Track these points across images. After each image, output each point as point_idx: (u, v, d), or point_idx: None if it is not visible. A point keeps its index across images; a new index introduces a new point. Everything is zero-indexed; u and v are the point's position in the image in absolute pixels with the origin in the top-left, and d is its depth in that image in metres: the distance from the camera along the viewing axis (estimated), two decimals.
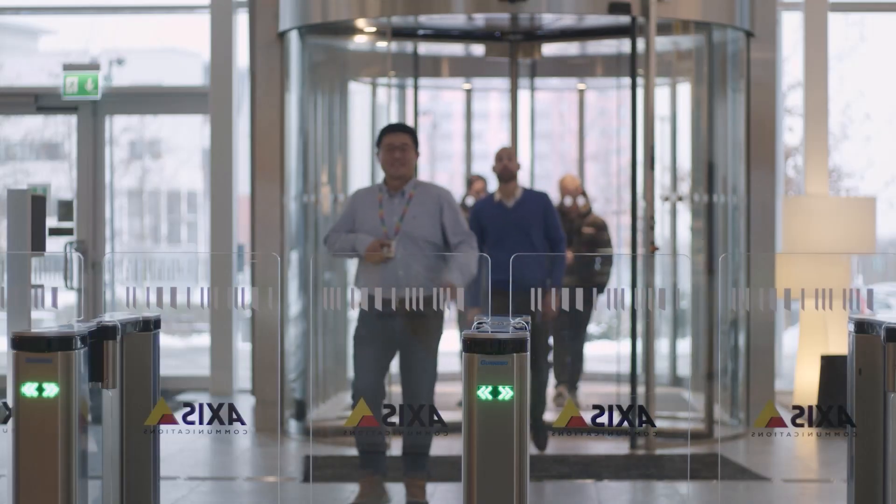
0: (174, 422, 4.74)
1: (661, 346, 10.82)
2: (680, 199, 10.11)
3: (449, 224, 6.80)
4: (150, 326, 5.08)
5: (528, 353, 4.43)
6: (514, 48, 10.13)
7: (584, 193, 10.49)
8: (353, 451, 8.50)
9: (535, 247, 8.35)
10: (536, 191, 8.67)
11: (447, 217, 6.80)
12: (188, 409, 4.73)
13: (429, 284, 6.55)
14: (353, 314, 6.98)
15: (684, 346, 10.85)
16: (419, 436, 6.90)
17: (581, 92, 12.47)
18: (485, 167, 12.13)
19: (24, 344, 4.46)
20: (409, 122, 11.17)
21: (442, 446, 8.40)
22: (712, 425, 9.23)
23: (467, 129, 12.79)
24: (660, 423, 9.07)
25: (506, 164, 8.48)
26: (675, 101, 10.37)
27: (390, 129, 6.91)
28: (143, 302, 4.78)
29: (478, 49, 10.51)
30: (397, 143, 6.80)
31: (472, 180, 11.10)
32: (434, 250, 6.76)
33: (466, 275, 6.70)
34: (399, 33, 9.74)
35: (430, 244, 6.77)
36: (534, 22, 9.54)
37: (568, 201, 10.41)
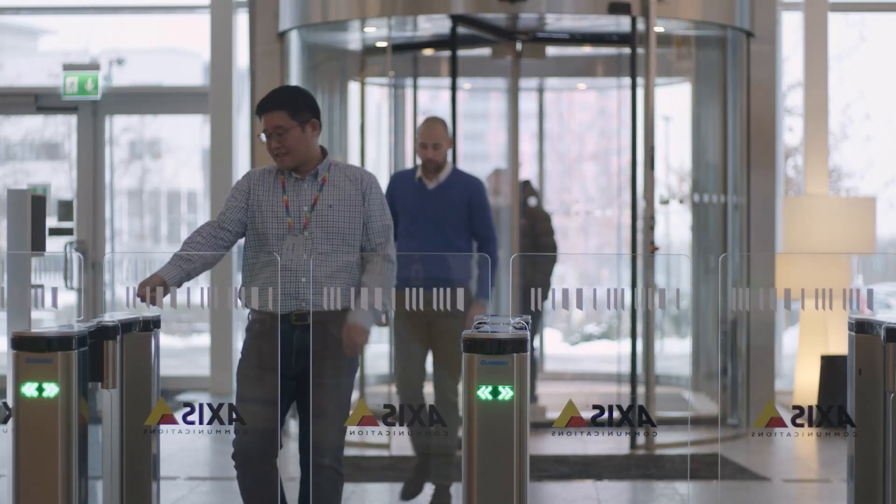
0: (174, 421, 4.74)
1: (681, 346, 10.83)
2: (681, 201, 10.12)
3: (374, 218, 5.25)
4: (150, 326, 5.08)
5: (529, 354, 4.43)
6: (514, 48, 10.13)
7: (532, 192, 10.28)
8: (354, 452, 8.50)
9: (451, 242, 6.88)
10: (469, 174, 7.13)
11: (372, 208, 5.25)
12: (188, 409, 4.73)
13: (342, 299, 5.11)
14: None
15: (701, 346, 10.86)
16: (446, 437, 6.70)
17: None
18: (485, 167, 12.12)
19: (24, 344, 4.46)
20: (409, 123, 11.16)
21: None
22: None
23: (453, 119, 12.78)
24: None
25: (430, 155, 6.92)
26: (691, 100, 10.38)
27: (257, 110, 5.24)
28: (142, 302, 4.78)
29: (477, 49, 10.51)
30: (270, 126, 5.16)
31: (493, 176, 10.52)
32: (349, 252, 5.21)
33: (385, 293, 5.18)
34: (399, 48, 9.79)
35: (346, 244, 5.19)
36: (534, 22, 9.53)
37: (533, 201, 10.20)
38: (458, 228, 6.90)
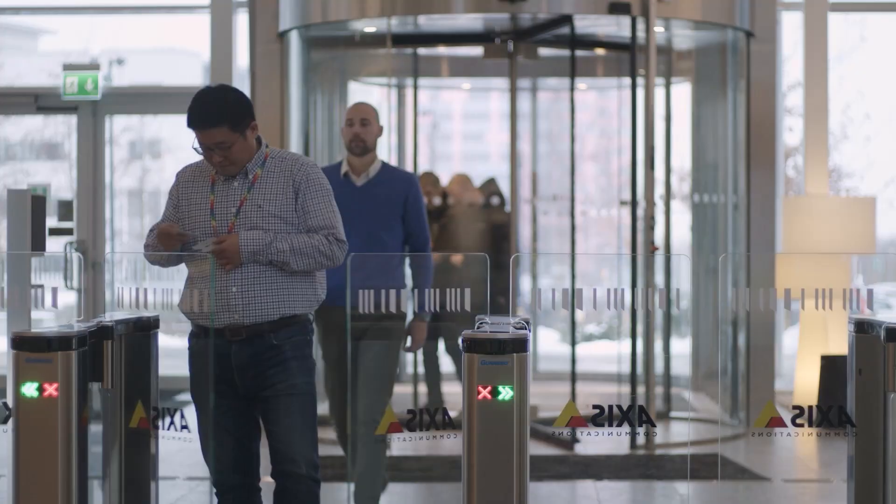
0: (146, 426, 4.81)
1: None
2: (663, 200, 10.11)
3: (311, 213, 4.74)
4: (149, 326, 5.08)
5: (529, 354, 4.43)
6: (514, 48, 10.12)
7: (497, 191, 10.08)
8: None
9: (385, 244, 6.16)
10: (402, 171, 6.54)
11: (303, 198, 4.74)
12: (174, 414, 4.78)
13: (280, 306, 4.71)
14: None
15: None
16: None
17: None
18: (485, 167, 12.09)
19: (24, 344, 4.46)
20: (409, 123, 11.15)
21: (442, 446, 8.41)
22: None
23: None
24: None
25: (357, 131, 6.18)
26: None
27: (191, 124, 4.70)
28: (142, 302, 4.78)
29: (477, 50, 10.51)
30: (211, 143, 4.67)
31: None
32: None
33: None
34: (399, 40, 9.75)
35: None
36: (534, 22, 9.53)
37: (496, 200, 10.03)
38: (392, 230, 6.18)
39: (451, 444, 7.08)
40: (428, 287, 5.78)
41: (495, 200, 9.94)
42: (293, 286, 4.71)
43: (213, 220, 4.72)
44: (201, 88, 4.73)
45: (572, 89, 9.21)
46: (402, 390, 9.84)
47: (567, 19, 9.04)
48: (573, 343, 9.60)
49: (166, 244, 4.74)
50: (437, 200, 9.81)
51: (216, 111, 4.65)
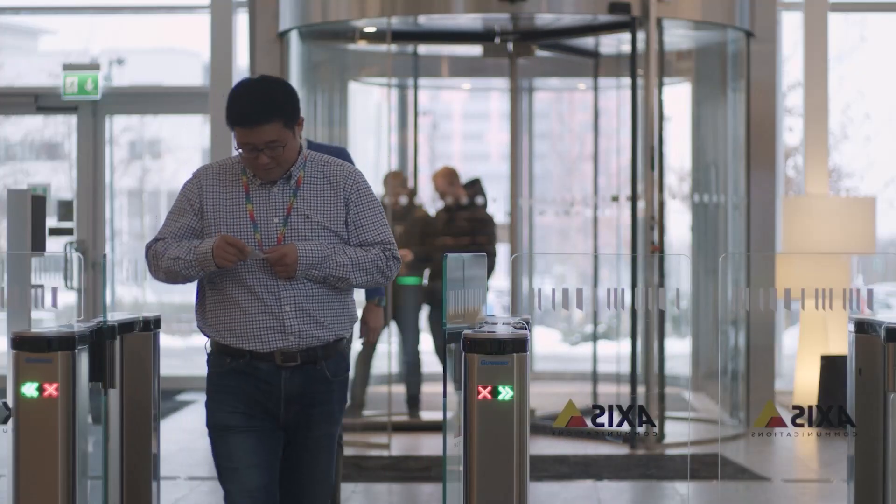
0: None
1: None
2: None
3: (357, 220, 4.27)
4: (150, 326, 5.08)
5: (529, 354, 4.43)
6: (514, 48, 10.13)
7: (481, 191, 9.89)
8: (354, 452, 8.50)
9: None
10: (333, 146, 6.43)
11: (355, 212, 4.26)
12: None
13: (322, 331, 4.21)
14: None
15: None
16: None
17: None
18: (484, 167, 12.09)
19: (24, 344, 4.46)
20: (410, 123, 11.16)
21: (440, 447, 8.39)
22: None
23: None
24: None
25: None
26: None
27: (239, 121, 4.12)
28: (143, 302, 4.77)
29: (478, 49, 10.51)
30: (261, 142, 4.11)
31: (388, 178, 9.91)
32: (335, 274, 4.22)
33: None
34: (399, 36, 9.74)
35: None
36: (533, 21, 9.54)
37: (480, 200, 9.76)
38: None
39: (451, 445, 7.08)
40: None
41: (480, 200, 9.86)
42: (340, 304, 4.25)
43: (256, 233, 4.15)
44: (241, 81, 4.23)
45: (596, 88, 9.11)
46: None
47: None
48: (594, 342, 9.57)
49: (225, 259, 4.08)
50: (403, 200, 9.74)
51: (269, 105, 4.09)
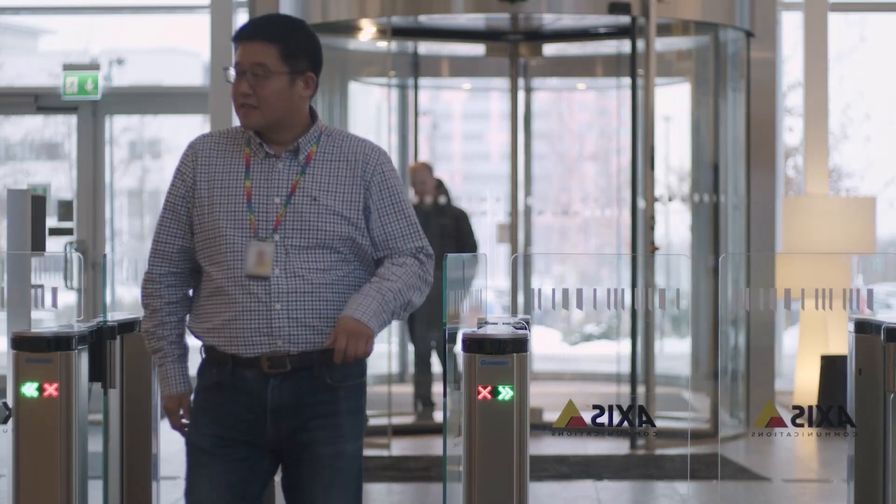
0: None
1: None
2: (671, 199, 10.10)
3: (382, 217, 3.64)
4: None
5: (529, 354, 4.43)
6: (514, 48, 10.13)
7: (444, 191, 9.75)
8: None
9: None
10: None
11: (379, 203, 3.63)
12: None
13: (318, 336, 3.57)
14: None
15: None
16: None
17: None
18: (485, 167, 12.08)
19: (24, 344, 4.46)
20: (410, 123, 11.16)
21: (442, 446, 8.38)
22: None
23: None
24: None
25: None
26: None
27: (236, 36, 3.59)
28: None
29: (478, 49, 10.51)
30: (248, 62, 3.54)
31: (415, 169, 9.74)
32: (341, 268, 3.60)
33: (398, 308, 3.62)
34: (399, 32, 9.72)
35: (338, 256, 3.59)
36: (533, 22, 9.54)
37: (443, 199, 9.61)
38: None
39: (450, 444, 7.08)
40: None
41: (443, 200, 9.78)
42: (346, 302, 3.58)
43: (251, 214, 3.53)
44: None
45: (634, 87, 9.03)
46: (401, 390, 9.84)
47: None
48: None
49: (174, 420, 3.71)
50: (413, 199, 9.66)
51: (269, 25, 3.56)
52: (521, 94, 11.68)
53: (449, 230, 9.53)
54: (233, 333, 3.56)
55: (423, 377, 9.72)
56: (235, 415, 3.58)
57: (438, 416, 9.61)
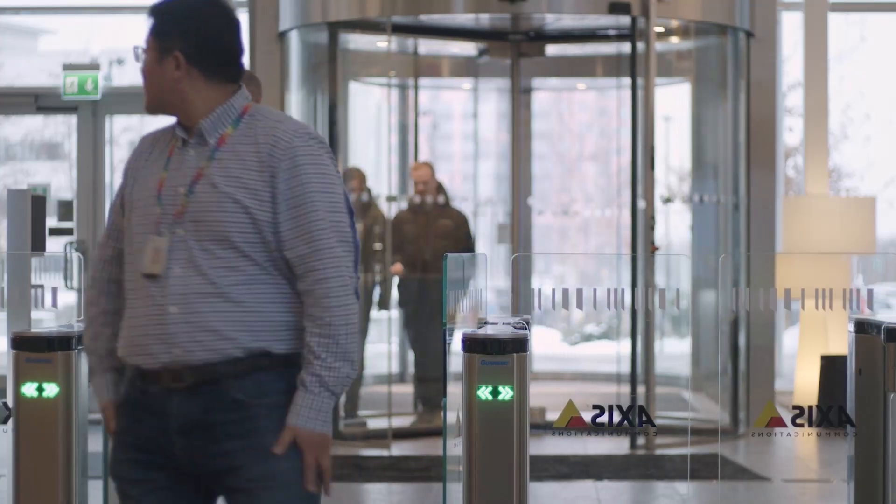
0: None
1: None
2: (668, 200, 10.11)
3: (284, 215, 3.07)
4: None
5: (529, 354, 4.43)
6: (515, 48, 10.13)
7: (440, 188, 9.69)
8: (354, 451, 8.50)
9: None
10: None
11: (282, 197, 3.08)
12: None
13: (222, 342, 3.05)
14: None
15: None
16: None
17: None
18: (485, 167, 12.08)
19: (24, 344, 4.46)
20: (410, 122, 11.16)
21: (441, 446, 8.38)
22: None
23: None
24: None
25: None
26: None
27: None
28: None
29: (478, 49, 10.50)
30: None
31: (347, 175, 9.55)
32: (250, 269, 3.08)
33: (335, 365, 3.06)
34: (399, 32, 9.73)
35: (238, 253, 3.08)
36: (533, 22, 9.54)
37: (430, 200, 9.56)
38: None
39: (450, 444, 7.08)
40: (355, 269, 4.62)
41: (442, 200, 9.75)
42: (262, 307, 3.08)
43: (158, 207, 3.11)
44: None
45: (634, 87, 9.01)
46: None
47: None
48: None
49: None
50: (364, 197, 9.57)
51: (162, 4, 3.21)
52: (524, 94, 11.71)
53: (450, 231, 9.51)
54: (132, 342, 3.12)
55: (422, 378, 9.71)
56: (147, 436, 3.11)
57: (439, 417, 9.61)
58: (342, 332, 3.04)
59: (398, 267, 9.31)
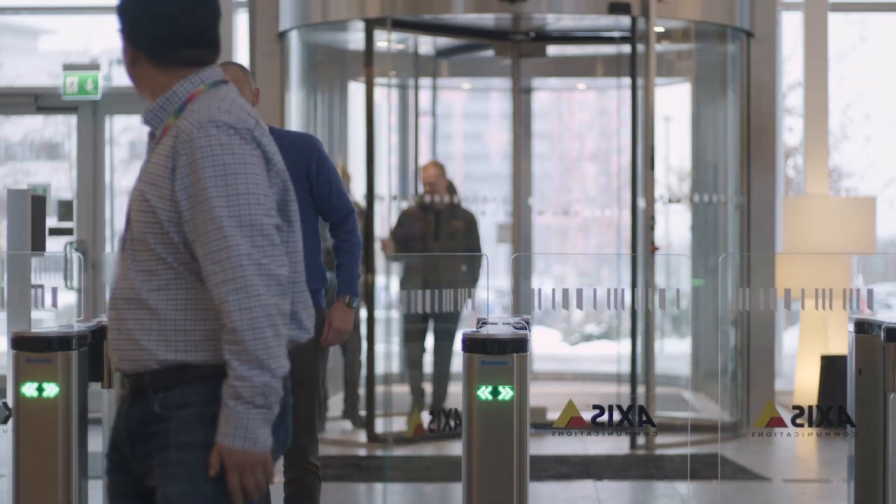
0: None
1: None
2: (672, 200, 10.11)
3: (191, 215, 2.81)
4: None
5: (529, 354, 4.43)
6: (516, 48, 10.13)
7: (451, 187, 9.63)
8: (354, 451, 8.50)
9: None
10: (298, 133, 5.40)
11: (184, 195, 2.80)
12: None
13: (138, 351, 2.90)
14: None
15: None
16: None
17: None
18: (485, 167, 12.07)
19: (24, 344, 4.46)
20: (410, 122, 11.15)
21: (442, 446, 8.40)
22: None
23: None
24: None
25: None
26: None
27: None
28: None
29: (478, 49, 10.50)
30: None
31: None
32: (167, 273, 2.88)
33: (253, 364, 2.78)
34: (399, 31, 9.73)
35: (155, 258, 2.86)
36: (534, 22, 9.54)
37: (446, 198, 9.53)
38: (303, 207, 4.46)
39: (450, 444, 7.08)
40: (356, 265, 4.83)
41: (454, 200, 9.73)
42: (177, 315, 2.86)
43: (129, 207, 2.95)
44: None
45: (634, 87, 9.00)
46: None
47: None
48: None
49: None
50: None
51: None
52: (524, 94, 11.72)
53: (459, 232, 9.50)
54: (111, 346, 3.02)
55: (416, 378, 9.69)
56: (114, 437, 3.03)
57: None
58: (248, 336, 2.75)
59: (386, 242, 9.23)
